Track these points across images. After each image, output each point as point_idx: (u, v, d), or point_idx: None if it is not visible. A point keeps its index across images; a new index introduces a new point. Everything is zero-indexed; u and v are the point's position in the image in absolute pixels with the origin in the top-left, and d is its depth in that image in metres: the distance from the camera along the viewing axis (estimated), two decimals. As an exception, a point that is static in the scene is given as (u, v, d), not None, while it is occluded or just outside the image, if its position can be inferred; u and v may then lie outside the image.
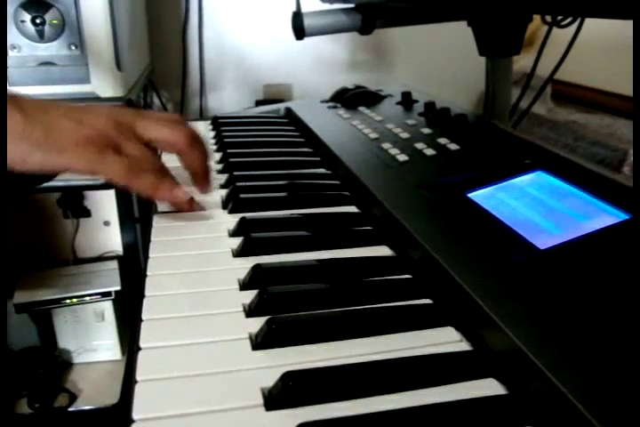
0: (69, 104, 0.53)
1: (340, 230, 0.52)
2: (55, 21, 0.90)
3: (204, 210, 0.57)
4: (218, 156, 0.72)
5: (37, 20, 0.90)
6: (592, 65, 1.29)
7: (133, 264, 1.30)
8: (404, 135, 0.68)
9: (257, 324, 0.38)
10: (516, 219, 0.46)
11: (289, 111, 0.92)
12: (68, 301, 1.19)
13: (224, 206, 0.58)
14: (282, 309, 0.39)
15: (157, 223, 0.54)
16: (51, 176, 0.65)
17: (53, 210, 1.26)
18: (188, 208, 0.56)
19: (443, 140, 0.65)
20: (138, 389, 0.32)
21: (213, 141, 0.80)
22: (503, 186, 0.52)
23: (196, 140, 0.55)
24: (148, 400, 0.32)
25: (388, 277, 0.44)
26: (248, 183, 0.61)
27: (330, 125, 0.78)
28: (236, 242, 0.49)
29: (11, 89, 0.50)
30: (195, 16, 1.39)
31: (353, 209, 0.57)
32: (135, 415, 0.30)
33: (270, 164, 0.68)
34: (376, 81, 1.03)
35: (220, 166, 0.68)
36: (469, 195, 0.51)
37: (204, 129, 0.87)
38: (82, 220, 1.28)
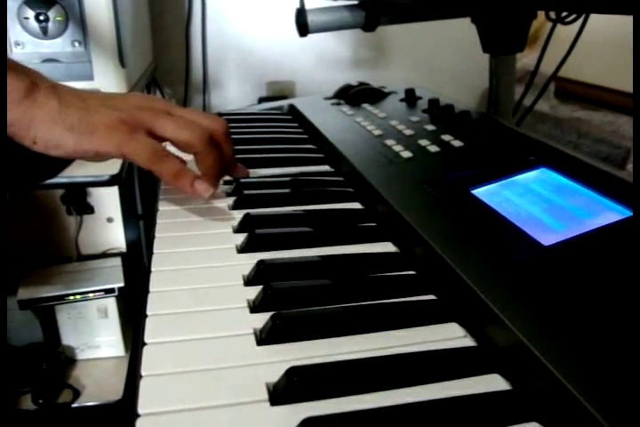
0: (108, 93, 0.55)
1: (344, 227, 0.52)
2: (59, 18, 0.90)
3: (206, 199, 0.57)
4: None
5: (41, 17, 0.90)
6: (596, 62, 1.28)
7: (136, 261, 1.31)
8: (408, 132, 0.68)
9: (261, 319, 0.38)
10: (519, 215, 0.46)
11: (292, 108, 0.92)
12: (71, 297, 1.19)
13: (228, 203, 0.58)
14: (286, 304, 0.39)
15: (161, 219, 0.55)
16: (55, 172, 0.65)
17: (57, 207, 1.26)
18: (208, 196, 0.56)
19: (446, 137, 0.65)
20: (143, 384, 0.33)
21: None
22: (507, 183, 0.52)
23: (211, 143, 0.54)
24: (153, 395, 0.32)
25: (391, 273, 0.44)
26: (252, 180, 0.62)
27: (333, 122, 0.78)
28: (241, 238, 0.50)
29: (48, 78, 0.51)
30: (198, 13, 1.39)
31: (357, 205, 0.57)
32: (141, 410, 0.30)
33: (274, 160, 0.68)
34: (379, 78, 1.03)
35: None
36: (473, 191, 0.51)
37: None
38: (85, 216, 1.29)
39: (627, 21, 0.46)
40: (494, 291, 0.37)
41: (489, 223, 0.46)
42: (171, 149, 0.54)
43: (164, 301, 0.41)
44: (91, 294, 1.20)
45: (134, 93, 0.57)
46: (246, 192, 0.58)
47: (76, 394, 1.18)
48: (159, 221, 0.54)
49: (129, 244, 1.32)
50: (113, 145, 0.49)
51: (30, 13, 0.90)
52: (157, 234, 0.52)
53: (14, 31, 0.90)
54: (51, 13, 0.90)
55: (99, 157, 0.51)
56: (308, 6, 0.84)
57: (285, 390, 0.31)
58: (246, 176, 0.62)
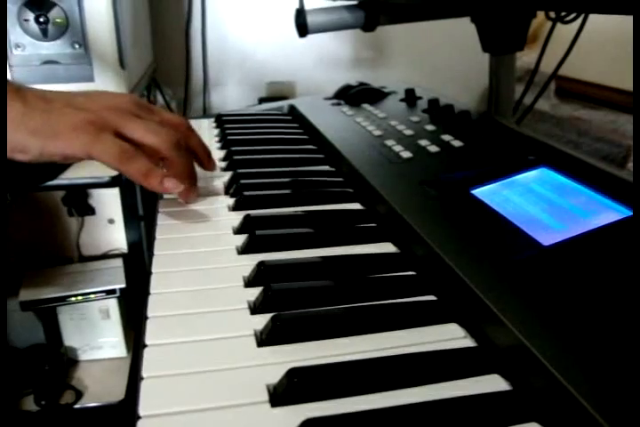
0: (75, 93, 0.54)
1: (344, 227, 0.52)
2: (59, 20, 0.90)
3: (199, 196, 0.58)
4: (221, 153, 0.73)
5: (41, 19, 0.90)
6: (596, 61, 1.28)
7: (138, 262, 1.30)
8: (408, 132, 0.68)
9: (262, 321, 0.38)
10: (519, 215, 0.46)
11: (292, 108, 0.92)
12: (73, 298, 1.19)
13: (228, 204, 0.58)
14: (286, 305, 0.39)
15: (162, 221, 0.55)
16: (54, 174, 0.65)
17: (58, 208, 1.27)
18: (184, 197, 0.56)
19: (446, 137, 0.65)
20: (144, 385, 0.33)
21: (217, 139, 0.81)
22: (507, 182, 0.52)
23: (179, 148, 0.54)
24: (154, 397, 0.32)
25: (392, 273, 0.44)
26: (252, 181, 0.62)
27: (333, 122, 0.78)
28: (241, 239, 0.50)
29: (15, 81, 0.50)
30: (198, 14, 1.39)
31: (357, 206, 0.57)
32: (142, 412, 0.31)
33: (274, 161, 0.68)
34: (379, 78, 1.03)
35: (223, 164, 0.68)
36: (473, 191, 0.51)
37: (207, 127, 0.88)
38: (86, 218, 1.29)
39: (626, 19, 0.46)
40: (494, 291, 0.37)
41: (489, 223, 0.46)
42: None
43: (164, 302, 0.41)
44: (92, 295, 1.20)
45: (103, 92, 0.56)
46: (246, 193, 0.58)
47: (79, 395, 1.18)
48: (160, 222, 0.55)
49: (130, 245, 1.32)
50: (79, 147, 0.48)
51: (30, 15, 0.90)
52: (158, 235, 0.52)
53: (14, 33, 0.90)
54: (51, 15, 0.90)
55: (67, 159, 0.50)
56: (307, 7, 0.84)
57: (286, 392, 0.31)
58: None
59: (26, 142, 0.47)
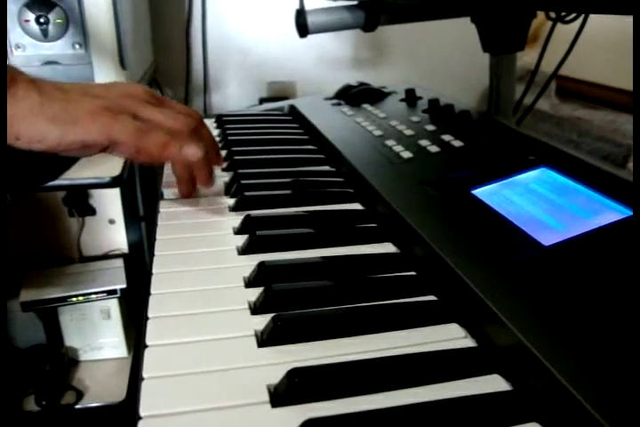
0: (89, 83, 0.55)
1: (345, 228, 0.52)
2: (59, 20, 0.90)
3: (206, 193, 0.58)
4: (222, 153, 0.73)
5: (41, 20, 0.90)
6: (596, 61, 1.28)
7: (139, 262, 1.31)
8: (408, 132, 0.68)
9: (262, 321, 0.38)
10: (520, 215, 0.46)
11: (293, 109, 0.92)
12: (74, 299, 1.19)
13: (229, 204, 0.58)
14: (287, 306, 0.39)
15: (163, 221, 0.55)
16: (55, 174, 0.65)
17: (59, 208, 1.27)
18: (204, 182, 0.57)
19: (447, 137, 0.65)
20: (145, 386, 0.33)
21: (218, 139, 0.80)
22: (507, 182, 0.52)
23: (196, 134, 0.54)
24: (154, 397, 0.32)
25: (392, 274, 0.44)
26: (252, 181, 0.62)
27: (334, 123, 0.78)
28: (241, 240, 0.50)
29: (29, 73, 0.49)
30: (198, 14, 1.39)
31: (357, 206, 0.57)
32: (142, 412, 0.31)
33: (274, 161, 0.68)
34: (379, 78, 1.03)
35: (224, 164, 0.68)
36: (473, 192, 0.51)
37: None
38: (87, 218, 1.29)
39: (626, 19, 0.46)
40: (494, 291, 0.37)
41: (489, 223, 0.46)
42: None
43: (165, 303, 0.41)
44: (93, 296, 1.20)
45: (116, 82, 0.56)
46: (247, 194, 0.58)
47: (80, 395, 1.18)
48: (160, 222, 0.55)
49: (131, 245, 1.32)
50: (98, 131, 0.48)
51: (31, 16, 0.90)
52: (158, 236, 0.52)
53: (15, 34, 0.90)
54: (51, 16, 0.90)
55: (85, 148, 0.50)
56: (307, 7, 0.84)
57: (286, 392, 0.31)
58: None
59: (45, 131, 0.47)
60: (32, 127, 0.46)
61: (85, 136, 0.48)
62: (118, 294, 1.21)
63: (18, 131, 0.46)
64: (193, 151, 0.51)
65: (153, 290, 0.43)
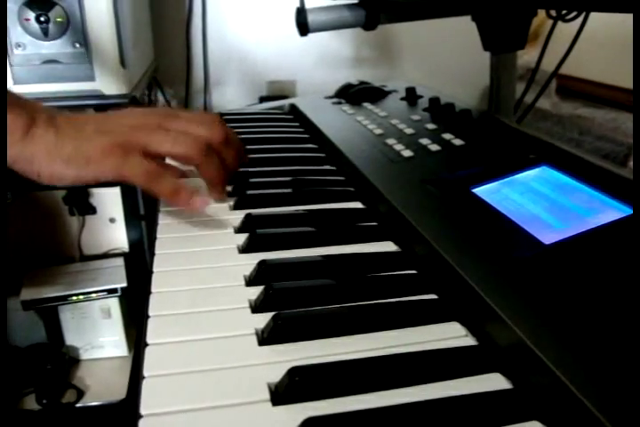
0: (106, 114, 0.56)
1: (345, 226, 0.52)
2: (59, 19, 0.90)
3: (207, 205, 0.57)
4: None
5: (42, 18, 0.90)
6: (597, 59, 1.28)
7: (139, 261, 1.31)
8: (409, 131, 0.68)
9: (263, 320, 0.38)
10: (520, 214, 0.46)
11: (293, 107, 0.92)
12: (74, 298, 1.19)
13: (229, 203, 0.58)
14: (287, 304, 0.39)
15: (163, 220, 0.55)
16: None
17: (59, 207, 1.27)
18: (216, 197, 0.57)
19: (447, 136, 0.64)
20: (145, 384, 0.33)
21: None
22: (508, 181, 0.52)
23: (209, 153, 0.54)
24: (155, 396, 0.32)
25: (393, 272, 0.44)
26: (253, 180, 0.62)
27: (334, 121, 0.78)
28: (242, 238, 0.50)
29: (49, 107, 0.52)
30: (198, 13, 1.39)
31: (358, 205, 0.57)
32: (143, 411, 0.31)
33: (275, 160, 0.68)
34: (380, 77, 1.03)
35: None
36: (474, 190, 0.51)
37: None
38: (87, 217, 1.29)
39: (628, 18, 0.46)
40: (495, 290, 0.37)
41: (490, 222, 0.46)
42: (173, 162, 0.55)
43: (165, 301, 0.41)
44: (94, 295, 1.20)
45: (130, 110, 0.57)
46: (247, 192, 0.58)
47: (80, 394, 1.18)
48: (161, 221, 0.55)
49: (131, 244, 1.32)
50: (109, 170, 0.50)
51: (31, 15, 0.90)
52: (159, 235, 0.52)
53: (15, 32, 0.90)
54: (51, 15, 0.90)
55: (98, 182, 0.52)
56: (307, 5, 0.84)
57: (287, 391, 0.31)
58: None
59: (61, 171, 0.49)
60: (49, 168, 0.49)
61: (98, 174, 0.50)
62: (119, 293, 1.21)
63: (38, 170, 0.49)
64: (200, 203, 0.52)
65: (153, 289, 0.43)
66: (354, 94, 0.88)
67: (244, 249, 0.48)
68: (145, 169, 0.50)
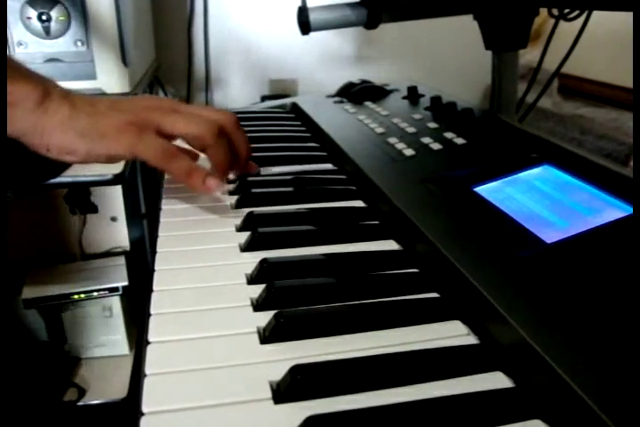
0: (116, 97, 0.57)
1: (347, 225, 0.52)
2: (61, 18, 0.90)
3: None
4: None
5: (44, 17, 0.90)
6: (599, 59, 1.28)
7: (140, 260, 1.31)
8: (411, 130, 0.68)
9: (265, 318, 0.38)
10: (522, 213, 0.46)
11: (295, 106, 0.92)
12: (76, 296, 1.19)
13: (231, 201, 0.58)
14: (289, 303, 0.39)
15: (164, 219, 0.55)
16: (58, 171, 0.65)
17: (60, 206, 1.27)
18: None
19: (449, 135, 0.64)
20: (147, 382, 0.33)
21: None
22: (510, 180, 0.52)
23: (221, 136, 0.54)
24: (157, 394, 0.32)
25: (395, 271, 0.44)
26: (255, 178, 0.62)
27: (336, 120, 0.78)
28: (244, 236, 0.50)
29: (60, 85, 0.52)
30: (200, 11, 1.39)
31: (360, 204, 0.57)
32: (145, 408, 0.31)
33: (277, 159, 0.68)
34: (382, 75, 1.02)
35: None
36: (476, 189, 0.51)
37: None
38: (89, 216, 1.29)
39: (629, 17, 0.46)
40: (497, 288, 0.37)
41: (492, 221, 0.46)
42: (185, 145, 0.55)
43: (167, 300, 0.41)
44: (95, 293, 1.20)
45: (142, 95, 0.58)
46: (249, 191, 0.58)
47: (82, 392, 1.18)
48: (162, 219, 0.55)
49: (133, 242, 1.32)
50: (123, 147, 0.50)
51: (33, 13, 0.90)
52: (160, 233, 0.52)
53: (17, 31, 0.90)
54: (53, 13, 0.90)
55: (111, 159, 0.52)
56: (309, 4, 0.84)
57: (289, 389, 0.31)
58: (257, 173, 0.63)
59: (74, 144, 0.49)
60: (62, 140, 0.49)
61: (110, 150, 0.50)
62: (120, 292, 1.21)
63: (48, 142, 0.49)
64: (214, 184, 0.52)
65: (155, 287, 0.43)
66: (356, 93, 0.88)
67: (246, 247, 0.48)
68: (160, 148, 0.50)
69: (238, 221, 0.53)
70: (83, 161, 0.51)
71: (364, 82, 0.91)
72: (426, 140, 0.64)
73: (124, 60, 0.94)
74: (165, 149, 0.51)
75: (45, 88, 0.49)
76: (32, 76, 0.49)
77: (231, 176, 0.62)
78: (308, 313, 0.38)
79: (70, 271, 1.25)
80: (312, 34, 0.85)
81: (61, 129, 0.48)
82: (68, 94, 0.50)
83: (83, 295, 1.19)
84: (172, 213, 0.56)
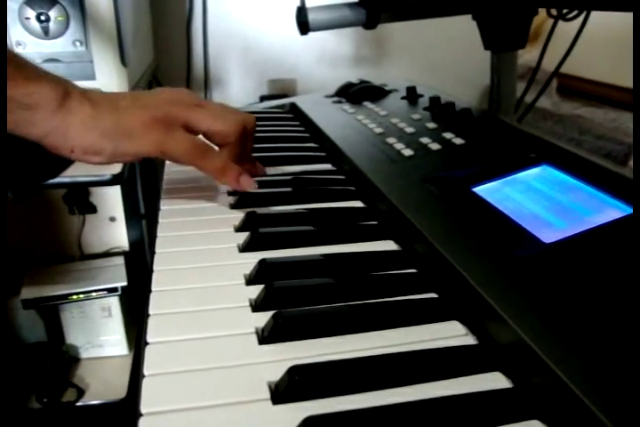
0: (136, 92, 0.55)
1: (346, 225, 0.52)
2: (60, 18, 0.90)
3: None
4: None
5: (42, 17, 0.90)
6: (598, 58, 1.28)
7: (139, 260, 1.31)
8: (409, 130, 0.68)
9: (263, 318, 0.38)
10: (521, 213, 0.46)
11: (294, 106, 0.92)
12: (74, 296, 1.19)
13: (230, 202, 0.58)
14: (288, 303, 0.39)
15: (163, 219, 0.55)
16: (57, 172, 0.65)
17: (59, 206, 1.27)
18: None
19: (448, 135, 0.64)
20: (145, 383, 0.33)
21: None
22: (508, 180, 0.52)
23: (243, 135, 0.54)
24: (155, 394, 0.32)
25: (393, 271, 0.44)
26: (254, 178, 0.62)
27: (335, 120, 0.78)
28: (242, 237, 0.50)
29: (77, 84, 0.50)
30: (199, 11, 1.39)
31: (358, 204, 0.57)
32: (143, 409, 0.31)
33: (276, 159, 0.68)
34: (380, 75, 1.02)
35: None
36: (475, 189, 0.51)
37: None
38: (88, 216, 1.29)
39: (629, 17, 0.46)
40: (495, 289, 0.37)
41: (490, 221, 0.46)
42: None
43: (166, 300, 0.41)
44: (94, 293, 1.20)
45: (161, 88, 0.56)
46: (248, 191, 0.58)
47: (80, 393, 1.18)
48: (161, 220, 0.55)
49: (132, 243, 1.32)
50: (151, 145, 0.48)
51: (31, 13, 0.90)
52: (159, 233, 0.52)
53: (15, 31, 0.90)
54: (52, 13, 0.90)
55: (138, 158, 0.51)
56: (308, 4, 0.84)
57: (287, 389, 0.31)
58: (263, 175, 0.62)
59: (99, 144, 0.47)
60: (86, 141, 0.47)
61: (139, 150, 0.49)
62: (119, 292, 1.21)
63: (72, 144, 0.47)
64: (248, 182, 0.52)
65: (154, 287, 0.43)
66: (354, 93, 0.88)
67: (245, 248, 0.48)
68: (191, 144, 0.49)
69: (237, 221, 0.53)
70: (108, 162, 0.49)
71: (362, 82, 0.91)
72: (424, 140, 0.64)
73: (123, 60, 0.94)
74: (197, 145, 0.49)
75: (65, 88, 0.47)
76: (50, 76, 0.47)
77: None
78: (307, 314, 0.38)
79: (69, 272, 1.25)
80: (311, 34, 0.85)
81: (85, 129, 0.47)
82: (86, 93, 0.49)
83: (81, 296, 1.19)
84: (171, 213, 0.56)
